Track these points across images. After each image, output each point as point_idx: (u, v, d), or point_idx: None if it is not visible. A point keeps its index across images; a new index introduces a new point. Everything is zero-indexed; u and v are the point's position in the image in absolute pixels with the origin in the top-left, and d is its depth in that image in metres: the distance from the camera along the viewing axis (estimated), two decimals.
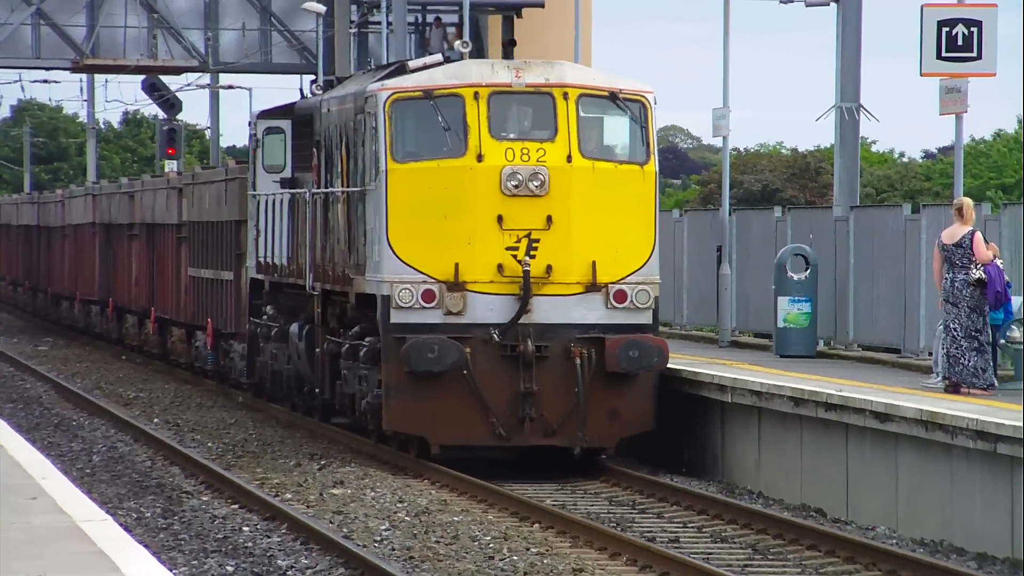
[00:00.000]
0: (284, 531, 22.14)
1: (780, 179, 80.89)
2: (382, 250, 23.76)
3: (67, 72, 68.44)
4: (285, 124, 31.44)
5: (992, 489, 18.84)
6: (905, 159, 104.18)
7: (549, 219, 23.35)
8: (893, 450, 21.36)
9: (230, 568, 19.99)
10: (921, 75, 25.85)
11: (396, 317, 23.44)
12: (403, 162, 23.74)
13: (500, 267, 23.38)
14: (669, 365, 24.58)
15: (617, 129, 24.63)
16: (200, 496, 26.01)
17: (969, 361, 22.80)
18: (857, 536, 19.23)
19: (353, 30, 61.31)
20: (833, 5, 35.39)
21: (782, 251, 30.23)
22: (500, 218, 23.34)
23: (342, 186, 26.98)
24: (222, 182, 37.74)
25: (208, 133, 76.05)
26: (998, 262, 23.32)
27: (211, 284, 38.24)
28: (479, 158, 23.43)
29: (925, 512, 20.01)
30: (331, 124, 28.12)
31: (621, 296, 23.56)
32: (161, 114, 73.17)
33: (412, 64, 26.08)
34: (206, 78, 69.91)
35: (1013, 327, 23.93)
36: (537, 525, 20.29)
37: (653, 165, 24.12)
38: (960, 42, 25.20)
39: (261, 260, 32.12)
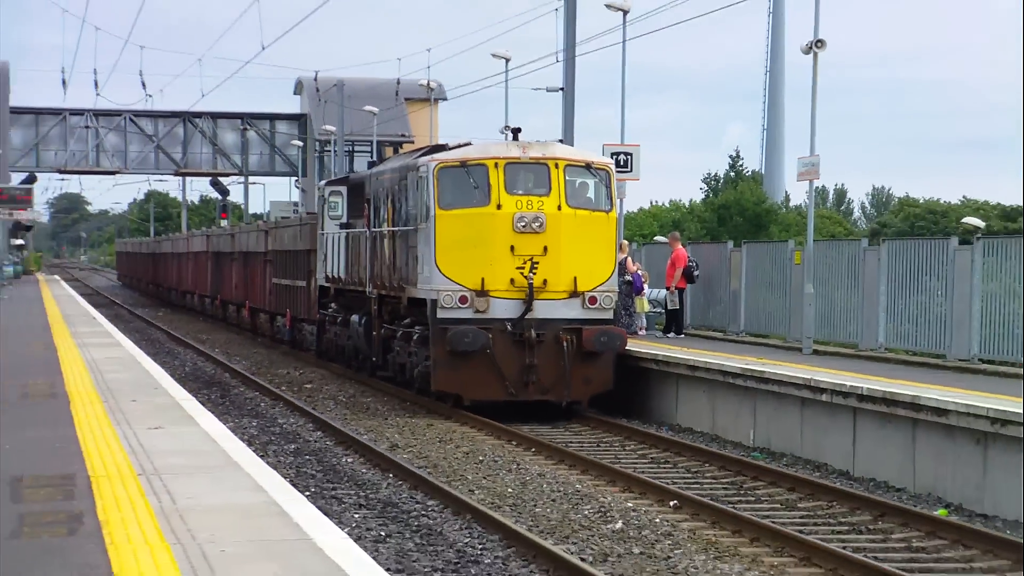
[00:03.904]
0: (282, 405, 30.13)
1: None
2: (432, 269, 26.46)
3: (171, 176, 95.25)
4: (342, 188, 35.91)
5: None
6: None
7: (545, 248, 26.44)
8: (672, 379, 28.77)
9: (254, 423, 27.47)
10: None
11: (442, 314, 26.31)
12: (446, 210, 26.53)
13: (512, 280, 26.40)
14: None
15: (591, 188, 27.40)
16: (239, 388, 34.54)
17: (625, 321, 31.88)
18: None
19: (316, 153, 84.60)
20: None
21: None
22: (512, 247, 26.33)
23: (389, 227, 30.05)
24: (298, 226, 43.62)
25: (242, 206, 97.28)
26: (639, 271, 33.96)
27: (288, 288, 43.99)
28: (498, 207, 26.34)
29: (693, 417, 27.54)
30: (380, 188, 31.19)
31: (593, 300, 26.75)
32: (218, 196, 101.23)
33: (451, 144, 29.24)
34: (240, 177, 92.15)
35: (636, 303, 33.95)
36: (519, 447, 24.13)
37: (614, 213, 27.49)
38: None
39: (327, 274, 36.68)
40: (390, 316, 30.71)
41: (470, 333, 26.19)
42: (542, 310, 26.71)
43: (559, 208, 26.79)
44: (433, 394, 28.00)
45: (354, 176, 36.56)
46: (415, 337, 28.35)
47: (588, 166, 27.64)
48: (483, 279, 26.59)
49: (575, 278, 26.86)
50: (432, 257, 26.75)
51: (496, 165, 26.76)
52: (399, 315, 29.84)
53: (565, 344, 26.63)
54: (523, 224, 26.53)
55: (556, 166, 27.03)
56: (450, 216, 26.73)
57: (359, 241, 32.86)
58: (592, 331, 26.75)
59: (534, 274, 26.62)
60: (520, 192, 26.82)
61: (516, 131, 28.34)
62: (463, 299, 26.50)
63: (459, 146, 28.76)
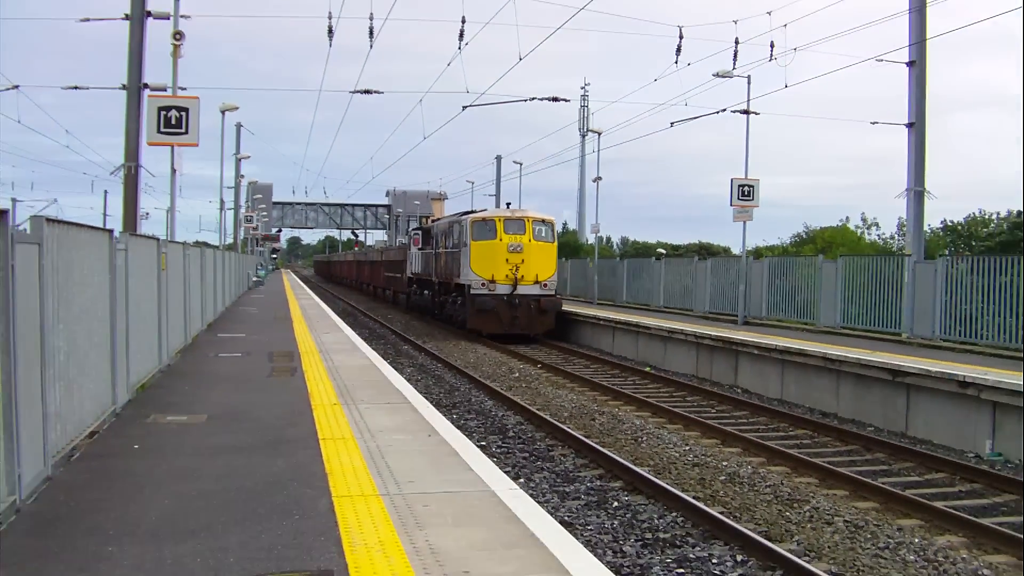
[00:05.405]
0: (380, 325, 24.91)
1: None
2: (467, 269, 21.49)
3: (335, 229, 77.99)
4: (419, 231, 28.67)
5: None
6: None
7: (523, 260, 21.39)
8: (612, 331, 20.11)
9: (366, 332, 22.16)
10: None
11: (473, 291, 21.28)
12: (476, 241, 21.49)
13: (507, 276, 21.30)
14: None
15: (544, 231, 21.84)
16: (363, 318, 28.20)
17: None
18: (615, 359, 17.66)
19: (395, 220, 68.40)
20: None
21: None
22: (507, 260, 21.33)
23: (444, 249, 24.37)
24: (399, 248, 36.47)
25: (365, 242, 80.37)
26: None
27: (393, 277, 35.80)
28: (500, 240, 21.35)
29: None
30: (439, 231, 25.14)
31: (546, 285, 21.47)
32: (354, 237, 79.12)
33: (478, 209, 24.29)
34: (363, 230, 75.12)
35: None
36: (511, 356, 17.97)
37: (555, 244, 21.77)
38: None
39: (412, 271, 29.46)
40: (444, 291, 24.63)
41: (487, 300, 20.97)
42: (521, 290, 21.23)
43: (529, 241, 21.44)
44: (467, 329, 21.96)
45: (425, 226, 29.68)
46: (458, 302, 22.68)
47: (543, 220, 21.89)
48: (493, 275, 21.16)
49: (537, 275, 21.34)
50: (468, 263, 21.38)
51: (499, 219, 21.52)
52: (449, 291, 23.86)
53: (532, 306, 21.19)
54: (512, 248, 21.24)
55: (528, 220, 21.60)
56: (477, 244, 21.39)
57: (429, 256, 26.61)
58: (546, 300, 21.24)
59: (517, 273, 21.25)
60: (511, 233, 21.42)
61: (508, 204, 23.15)
62: (483, 284, 21.13)
63: (481, 211, 23.29)
